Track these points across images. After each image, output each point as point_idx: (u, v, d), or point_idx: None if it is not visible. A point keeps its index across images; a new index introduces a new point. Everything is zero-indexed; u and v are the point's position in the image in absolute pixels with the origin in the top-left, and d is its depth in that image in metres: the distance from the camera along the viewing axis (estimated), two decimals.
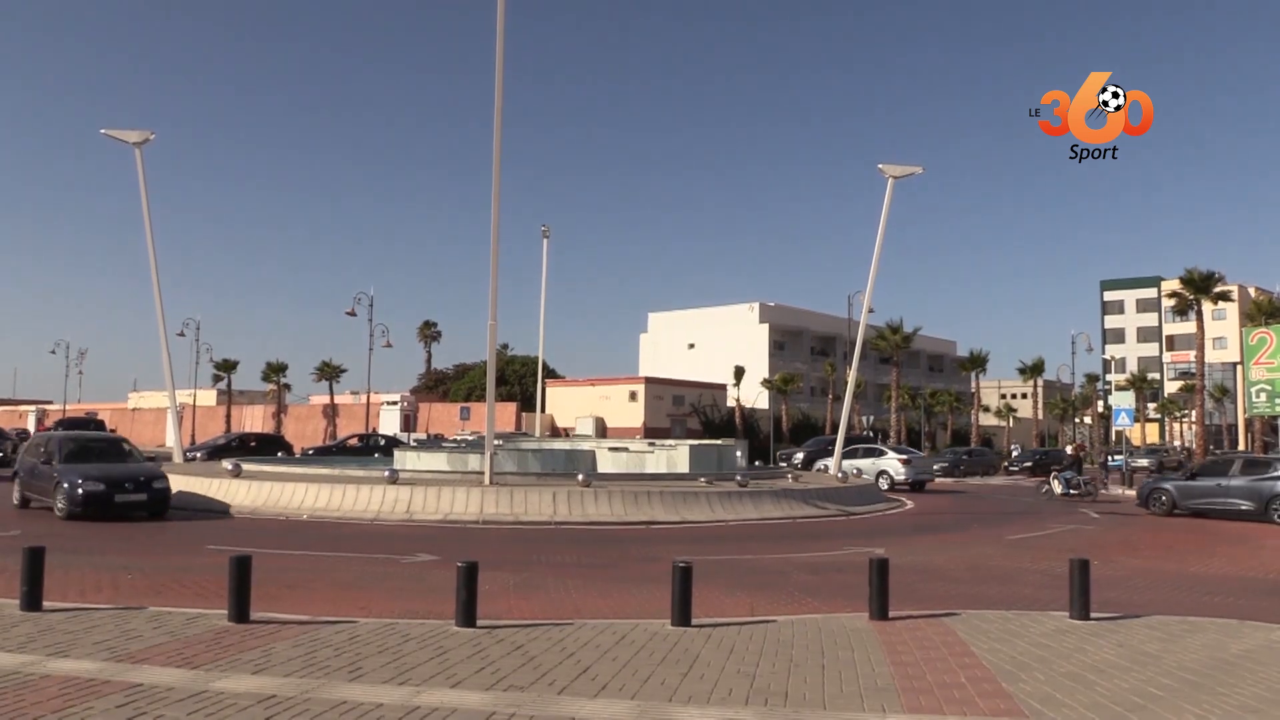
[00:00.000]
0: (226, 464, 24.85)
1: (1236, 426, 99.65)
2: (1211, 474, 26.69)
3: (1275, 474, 24.78)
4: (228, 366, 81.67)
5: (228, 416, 79.70)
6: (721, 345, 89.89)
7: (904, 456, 37.63)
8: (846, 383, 36.70)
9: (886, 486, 34.27)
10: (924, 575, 13.95)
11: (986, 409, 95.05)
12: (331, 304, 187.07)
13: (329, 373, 79.11)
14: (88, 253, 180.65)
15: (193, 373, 74.73)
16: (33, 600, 9.09)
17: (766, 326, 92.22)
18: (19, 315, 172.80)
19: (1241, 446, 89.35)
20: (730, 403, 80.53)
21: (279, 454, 39.95)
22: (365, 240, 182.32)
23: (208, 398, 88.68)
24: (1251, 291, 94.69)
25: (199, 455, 38.90)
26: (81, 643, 7.84)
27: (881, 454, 38.53)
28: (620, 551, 16.38)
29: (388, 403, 77.02)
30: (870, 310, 34.89)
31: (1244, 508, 24.68)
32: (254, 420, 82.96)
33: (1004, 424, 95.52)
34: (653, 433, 66.63)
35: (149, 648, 7.72)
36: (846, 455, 41.06)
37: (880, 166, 31.67)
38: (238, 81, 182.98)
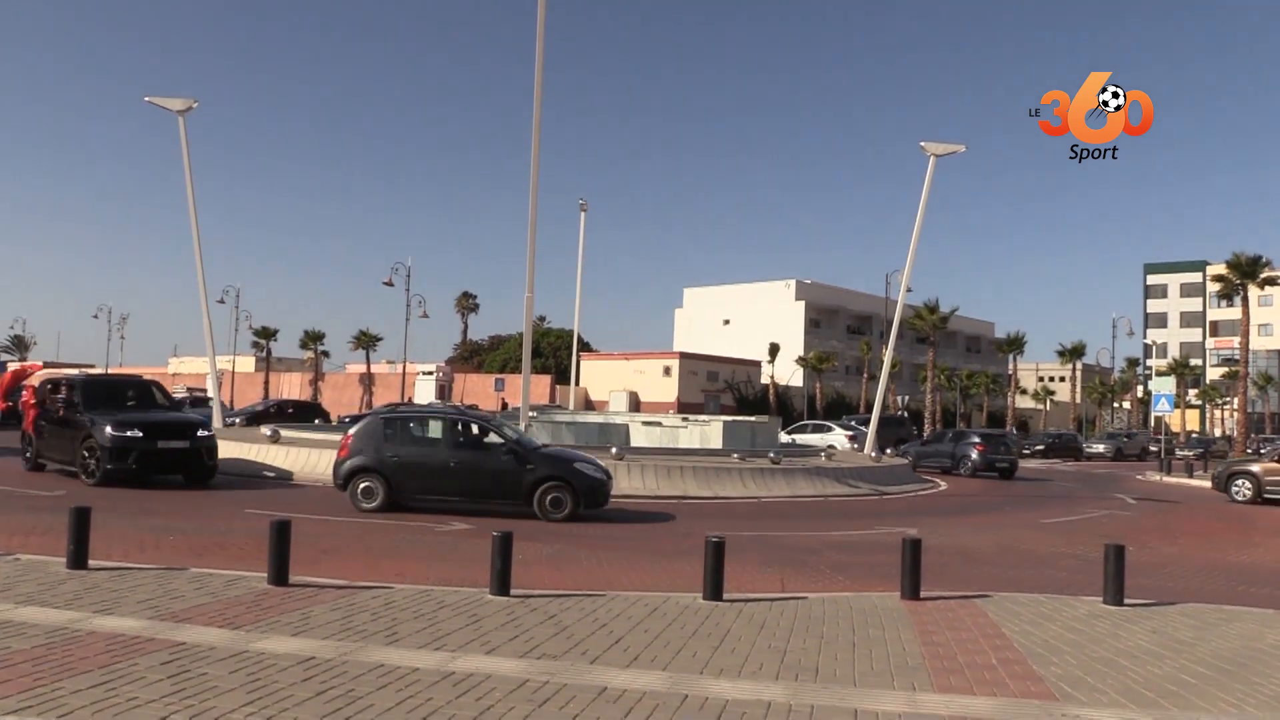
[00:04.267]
0: (265, 430, 25.21)
1: None
2: (935, 442, 38.17)
3: (965, 442, 35.42)
4: (267, 334, 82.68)
5: (266, 383, 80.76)
6: (757, 322, 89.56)
7: (850, 433, 40.49)
8: (882, 362, 36.53)
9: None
10: (957, 556, 13.92)
11: (1024, 391, 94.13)
12: (370, 274, 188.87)
13: (366, 342, 79.88)
14: (131, 219, 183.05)
15: (232, 339, 75.67)
16: (79, 559, 9.31)
17: (803, 304, 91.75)
18: (62, 280, 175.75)
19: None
20: (764, 380, 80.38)
21: (316, 421, 40.42)
22: (405, 211, 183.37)
23: (246, 364, 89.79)
24: None
25: (238, 421, 39.45)
26: (126, 601, 8.03)
27: (829, 430, 42.28)
28: (654, 526, 16.47)
29: (423, 373, 77.63)
30: (908, 289, 34.68)
31: (945, 463, 34.87)
32: (291, 387, 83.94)
33: (1041, 407, 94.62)
34: (686, 408, 66.67)
35: (191, 608, 7.90)
36: (796, 430, 42.58)
37: (922, 144, 31.30)
38: (280, 51, 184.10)
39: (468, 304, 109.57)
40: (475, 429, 17.31)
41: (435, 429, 17.28)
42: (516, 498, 16.30)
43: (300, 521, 10.99)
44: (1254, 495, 26.09)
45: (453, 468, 16.42)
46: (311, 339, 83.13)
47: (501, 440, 16.81)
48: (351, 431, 17.10)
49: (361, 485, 16.39)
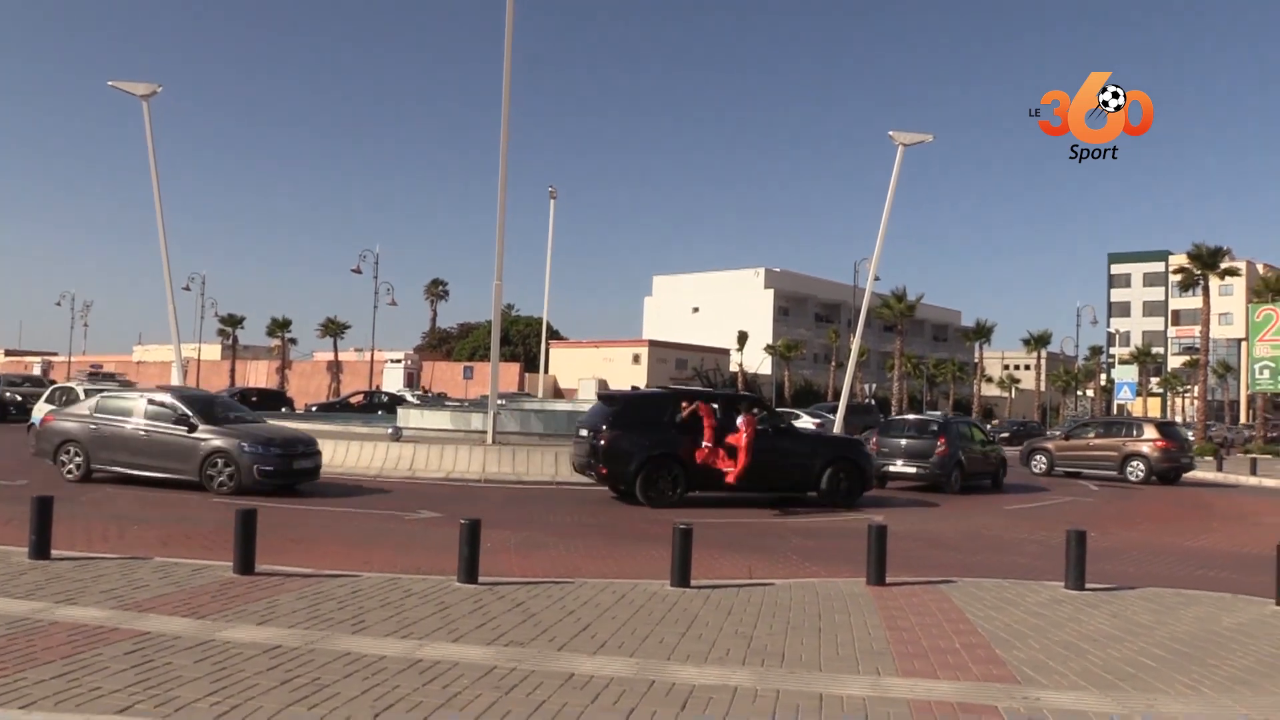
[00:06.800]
0: None
1: (1239, 403, 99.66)
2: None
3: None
4: (233, 322, 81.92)
5: (232, 371, 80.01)
6: (726, 310, 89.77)
7: (818, 420, 41.30)
8: (850, 350, 36.70)
9: None
10: (922, 543, 14.07)
11: (990, 380, 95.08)
12: (338, 262, 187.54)
13: (333, 329, 79.31)
14: (94, 205, 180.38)
15: (198, 327, 74.83)
16: (41, 548, 9.19)
17: (771, 292, 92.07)
18: (25, 267, 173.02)
19: (1243, 422, 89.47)
20: (733, 368, 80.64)
21: (281, 410, 40.11)
22: (374, 198, 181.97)
23: (212, 352, 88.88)
24: (1260, 268, 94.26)
25: None
26: (89, 591, 7.95)
27: (797, 417, 43.46)
28: (621, 513, 16.50)
29: (392, 360, 77.21)
30: (876, 278, 34.82)
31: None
32: (258, 375, 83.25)
33: (1006, 395, 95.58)
34: None
35: (156, 597, 7.83)
36: None
37: (890, 133, 31.33)
38: (247, 35, 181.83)
39: (437, 292, 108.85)
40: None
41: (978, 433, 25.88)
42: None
43: (266, 510, 10.92)
44: (1048, 468, 29.99)
45: (987, 457, 24.50)
46: (278, 326, 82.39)
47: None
48: (945, 437, 22.81)
49: (954, 474, 22.40)
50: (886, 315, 70.19)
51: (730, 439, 16.90)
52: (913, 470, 22.54)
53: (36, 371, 77.46)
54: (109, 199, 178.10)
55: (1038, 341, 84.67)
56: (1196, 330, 64.97)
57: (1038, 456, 30.64)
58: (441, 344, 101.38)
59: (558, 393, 71.87)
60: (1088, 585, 9.82)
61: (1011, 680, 6.44)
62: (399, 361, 77.81)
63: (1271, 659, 7.28)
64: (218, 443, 16.51)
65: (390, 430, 23.25)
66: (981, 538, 15.30)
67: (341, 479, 20.02)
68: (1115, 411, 73.34)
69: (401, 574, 9.43)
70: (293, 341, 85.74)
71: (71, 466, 17.11)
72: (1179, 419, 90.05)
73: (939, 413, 47.44)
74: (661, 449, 17.08)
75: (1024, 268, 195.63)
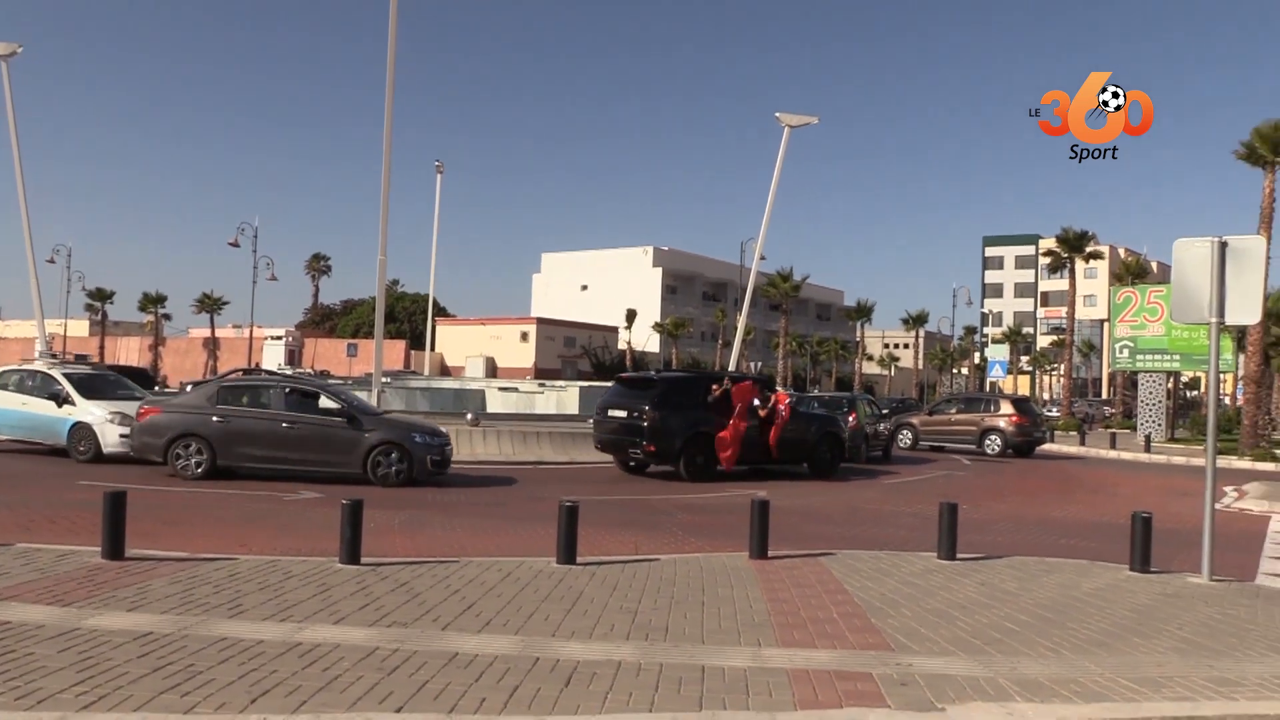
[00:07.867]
0: None
1: (1101, 380, 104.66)
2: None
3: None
4: (102, 296, 78.51)
5: (101, 347, 76.74)
6: (614, 288, 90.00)
7: None
8: (736, 328, 37.18)
9: None
10: (804, 517, 14.40)
11: (870, 358, 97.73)
12: (216, 235, 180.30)
13: (210, 305, 76.78)
14: None
15: (64, 302, 71.36)
16: None
17: (660, 270, 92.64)
18: None
19: (1104, 398, 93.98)
20: (622, 345, 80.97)
21: (154, 390, 38.56)
22: (254, 170, 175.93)
23: (80, 328, 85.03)
24: (1121, 253, 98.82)
25: None
26: None
27: None
28: (508, 491, 16.45)
29: (272, 337, 75.16)
30: (762, 258, 35.38)
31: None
32: (129, 352, 80.00)
33: (886, 373, 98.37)
34: (543, 374, 66.61)
35: (17, 585, 7.48)
36: None
37: (777, 115, 31.80)
38: (122, 1, 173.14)
39: (319, 266, 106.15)
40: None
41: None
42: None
43: (138, 493, 10.53)
44: (913, 443, 31.72)
45: (882, 432, 26.92)
46: (151, 302, 79.30)
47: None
48: (855, 413, 24.87)
49: (862, 446, 24.22)
50: (772, 294, 71.42)
51: (763, 415, 19.10)
52: None
53: None
54: None
55: (916, 321, 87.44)
56: (1063, 311, 67.82)
57: (904, 431, 32.09)
58: (324, 320, 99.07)
59: (444, 370, 71.11)
60: (959, 555, 10.22)
61: (885, 648, 6.67)
62: (280, 338, 75.85)
63: (1125, 621, 7.71)
64: (384, 435, 16.08)
65: None
66: (861, 511, 15.75)
67: None
68: (988, 389, 76.32)
69: (281, 556, 9.22)
70: (167, 317, 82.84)
71: (193, 462, 15.80)
72: (1046, 396, 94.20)
73: (819, 390, 48.40)
74: (699, 427, 18.59)
75: (906, 248, 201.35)
